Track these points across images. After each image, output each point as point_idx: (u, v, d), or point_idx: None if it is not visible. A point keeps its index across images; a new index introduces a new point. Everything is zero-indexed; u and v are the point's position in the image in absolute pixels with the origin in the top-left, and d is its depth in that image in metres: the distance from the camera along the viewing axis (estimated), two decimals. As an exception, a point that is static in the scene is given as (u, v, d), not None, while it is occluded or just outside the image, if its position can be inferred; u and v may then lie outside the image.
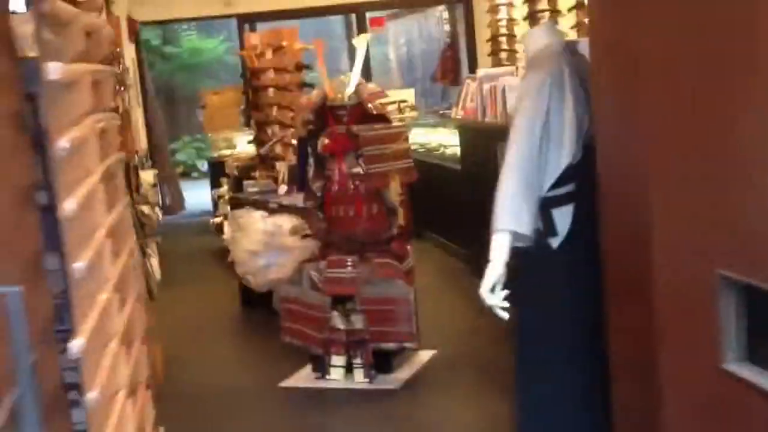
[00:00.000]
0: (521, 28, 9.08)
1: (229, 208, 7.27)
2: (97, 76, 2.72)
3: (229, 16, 11.77)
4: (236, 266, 6.66)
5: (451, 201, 7.75)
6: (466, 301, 6.23)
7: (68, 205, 2.01)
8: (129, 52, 10.17)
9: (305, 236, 5.87)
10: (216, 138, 11.58)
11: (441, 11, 13.45)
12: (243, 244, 6.53)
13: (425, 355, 5.53)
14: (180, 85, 17.36)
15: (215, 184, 10.38)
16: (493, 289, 3.16)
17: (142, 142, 10.03)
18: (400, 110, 10.90)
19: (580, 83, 3.23)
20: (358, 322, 5.18)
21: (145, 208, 7.86)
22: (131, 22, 10.07)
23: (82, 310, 2.09)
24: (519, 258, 3.35)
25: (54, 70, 1.98)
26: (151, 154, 12.23)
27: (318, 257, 5.37)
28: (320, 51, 5.38)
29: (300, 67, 7.22)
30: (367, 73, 12.35)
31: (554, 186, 3.25)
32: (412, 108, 10.79)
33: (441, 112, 9.60)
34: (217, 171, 10.28)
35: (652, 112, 2.52)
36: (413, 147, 9.25)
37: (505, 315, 3.18)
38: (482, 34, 10.58)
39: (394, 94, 12.02)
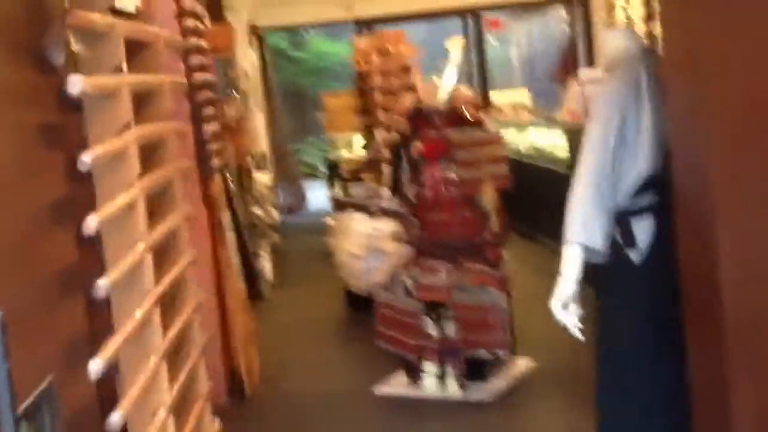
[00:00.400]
0: (639, 29, 8.66)
1: (334, 210, 7.16)
2: (149, 87, 2.63)
3: (349, 21, 11.71)
4: (339, 269, 6.56)
5: (560, 205, 7.42)
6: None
7: (91, 221, 1.89)
8: (250, 57, 10.24)
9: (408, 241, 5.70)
10: (335, 139, 11.57)
11: (561, 11, 13.05)
12: (345, 246, 6.42)
13: (522, 365, 5.28)
14: (307, 88, 17.48)
15: (332, 185, 10.34)
16: (566, 306, 2.93)
17: (261, 145, 10.07)
18: (515, 111, 10.61)
19: (661, 90, 2.95)
20: (450, 329, 4.99)
21: (258, 210, 7.87)
22: (253, 28, 10.12)
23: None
24: (597, 272, 3.11)
25: (75, 83, 1.87)
26: (275, 155, 12.35)
27: (412, 263, 5.20)
28: (403, 59, 5.20)
29: (406, 71, 7.06)
30: (483, 74, 12.14)
31: (633, 196, 2.99)
32: (527, 109, 10.47)
33: (547, 115, 9.24)
34: (333, 172, 10.25)
35: (723, 119, 2.24)
36: (525, 149, 9.01)
37: (580, 334, 2.94)
38: (601, 34, 10.18)
39: (511, 95, 11.75)
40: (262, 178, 8.98)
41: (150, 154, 2.71)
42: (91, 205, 2.13)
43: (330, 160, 11.32)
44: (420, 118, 5.10)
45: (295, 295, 7.76)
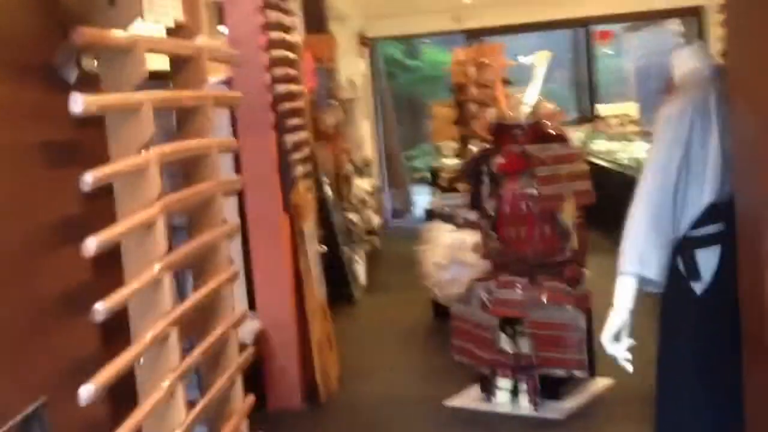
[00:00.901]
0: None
1: (426, 218, 6.99)
2: (189, 103, 2.53)
3: (458, 32, 11.51)
4: (425, 278, 6.39)
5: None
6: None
7: (90, 243, 1.79)
8: (359, 66, 10.18)
9: (485, 254, 5.49)
10: (440, 148, 11.39)
11: (676, 24, 12.50)
12: (431, 256, 6.25)
13: (600, 384, 5.00)
14: (421, 96, 17.34)
15: (433, 193, 10.18)
16: (617, 337, 2.69)
17: (365, 152, 9.99)
18: (622, 124, 10.21)
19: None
20: (525, 345, 4.76)
21: (353, 216, 7.78)
22: (362, 39, 10.06)
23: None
24: (659, 303, 2.86)
25: (75, 102, 1.78)
26: (385, 161, 12.29)
27: (489, 277, 4.99)
28: (497, 71, 4.99)
29: (504, 83, 6.83)
30: (591, 87, 11.74)
31: (697, 225, 2.72)
32: (633, 122, 10.05)
33: (645, 129, 8.83)
34: (434, 180, 10.08)
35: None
36: (628, 162, 8.61)
37: (630, 367, 2.70)
38: (716, 47, 9.66)
39: (618, 108, 11.30)
40: (363, 184, 8.89)
41: (193, 169, 2.62)
42: (111, 224, 2.04)
43: (433, 168, 11.16)
44: (502, 132, 4.89)
45: (386, 300, 7.63)
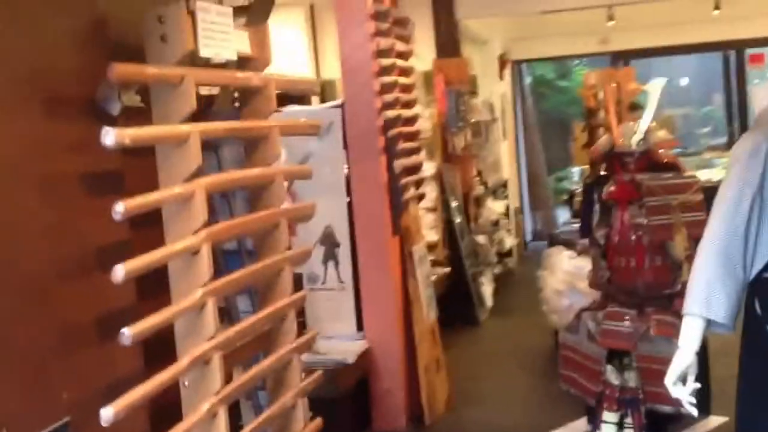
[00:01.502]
0: None
1: (549, 243, 6.81)
2: (254, 133, 2.57)
3: (604, 54, 11.20)
4: (544, 304, 6.22)
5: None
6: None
7: (118, 270, 1.85)
8: (499, 87, 10.08)
9: (598, 283, 5.28)
10: (584, 171, 11.10)
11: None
12: (550, 282, 6.08)
13: (714, 422, 4.71)
14: (572, 117, 16.97)
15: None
16: (683, 379, 2.53)
17: (502, 173, 9.86)
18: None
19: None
20: (632, 379, 4.53)
21: (481, 238, 7.68)
22: (502, 61, 9.96)
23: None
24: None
25: (107, 135, 1.83)
26: (528, 182, 12.10)
27: (597, 306, 4.79)
28: (609, 96, 4.80)
29: (633, 108, 6.56)
30: (743, 112, 11.11)
31: (775, 266, 2.51)
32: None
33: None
34: (572, 201, 9.82)
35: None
36: None
37: (694, 411, 2.52)
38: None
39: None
40: (496, 206, 8.77)
41: (258, 196, 2.66)
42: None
43: (571, 191, 10.89)
44: (613, 159, 4.69)
45: (511, 324, 7.48)
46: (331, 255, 4.99)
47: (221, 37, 2.35)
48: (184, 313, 2.13)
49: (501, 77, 10.04)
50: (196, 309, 2.17)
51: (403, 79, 4.98)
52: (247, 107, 2.62)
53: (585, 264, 5.66)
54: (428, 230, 6.96)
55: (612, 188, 4.65)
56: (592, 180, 4.84)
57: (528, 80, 13.46)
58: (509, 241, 9.25)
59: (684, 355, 2.53)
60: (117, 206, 1.88)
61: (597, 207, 4.76)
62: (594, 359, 4.66)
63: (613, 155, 4.71)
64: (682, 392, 2.54)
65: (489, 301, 7.76)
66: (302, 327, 5.00)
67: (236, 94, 2.66)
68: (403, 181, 4.93)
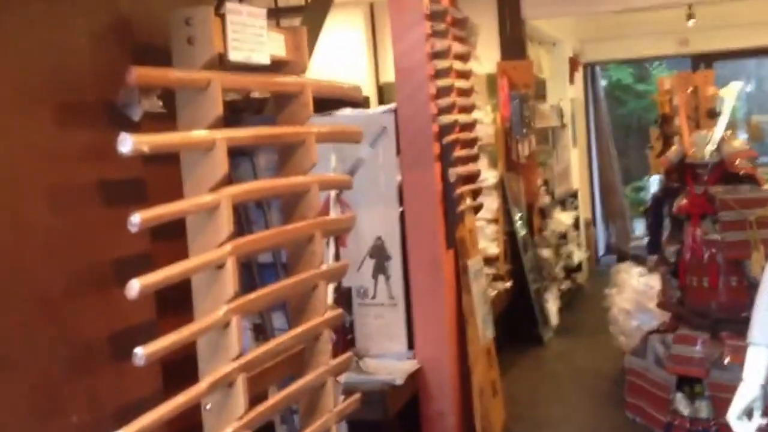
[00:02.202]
0: None
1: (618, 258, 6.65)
2: (288, 139, 2.54)
3: (684, 56, 10.97)
4: (610, 324, 6.09)
5: None
6: None
7: (133, 286, 1.84)
8: (570, 92, 9.92)
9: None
10: (662, 180, 10.85)
11: None
12: (618, 301, 5.94)
13: (795, 460, 4.51)
14: (650, 123, 16.64)
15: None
16: (747, 413, 2.42)
17: (572, 182, 9.70)
18: None
19: None
20: (703, 409, 4.40)
21: (546, 252, 7.56)
22: (573, 63, 9.81)
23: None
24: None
25: (124, 141, 1.82)
26: (600, 193, 11.88)
27: (667, 329, 4.67)
28: (682, 100, 4.67)
29: (712, 115, 6.40)
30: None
31: None
32: None
33: None
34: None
35: None
36: None
37: (761, 450, 2.41)
38: None
39: None
40: (564, 217, 8.63)
41: (292, 206, 2.63)
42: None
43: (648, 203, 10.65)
44: (685, 171, 4.57)
45: (577, 344, 7.33)
46: (381, 268, 4.94)
47: (253, 40, 2.33)
48: (206, 331, 2.11)
49: (571, 81, 9.88)
50: (220, 327, 2.15)
51: (461, 83, 4.91)
52: (282, 113, 2.60)
53: (656, 282, 5.53)
54: (488, 242, 6.87)
55: (683, 201, 4.55)
56: (662, 192, 4.72)
57: (603, 84, 13.25)
58: (578, 255, 9.09)
59: (749, 388, 2.43)
60: (133, 217, 1.87)
61: (667, 221, 4.65)
62: (662, 386, 4.55)
63: (685, 166, 4.59)
64: (748, 428, 2.43)
65: (554, 319, 7.63)
66: (351, 344, 4.99)
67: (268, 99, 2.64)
68: (459, 190, 4.87)
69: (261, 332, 2.98)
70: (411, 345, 4.90)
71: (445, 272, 4.85)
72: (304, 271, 2.59)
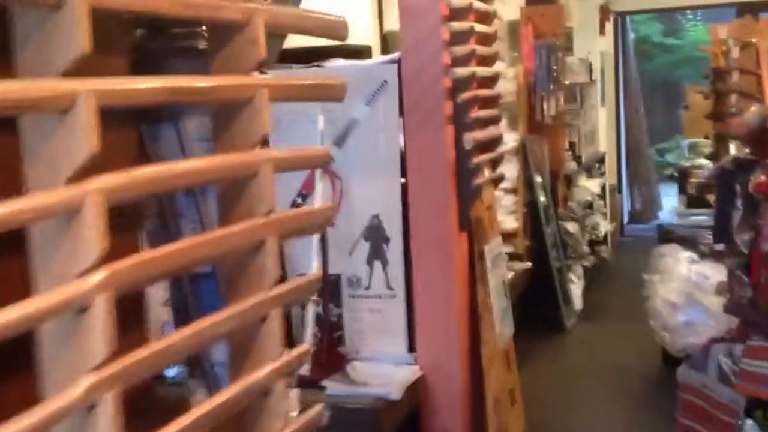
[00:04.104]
0: None
1: (659, 238, 5.75)
2: (224, 97, 1.66)
3: (728, 5, 9.97)
4: (650, 317, 5.22)
5: None
6: None
7: None
8: (599, 44, 8.98)
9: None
10: (698, 144, 9.90)
11: None
12: (662, 291, 5.07)
13: None
14: (680, 80, 15.68)
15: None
16: None
17: (599, 145, 8.79)
18: None
19: None
20: (779, 440, 3.55)
21: (571, 226, 6.69)
22: (604, 12, 8.85)
23: None
24: None
25: None
26: (629, 155, 11.00)
27: (734, 338, 3.80)
28: (764, 49, 3.75)
29: (776, 70, 5.48)
30: None
31: None
32: None
33: None
34: (684, 181, 8.63)
35: None
36: None
37: None
38: None
39: None
40: (591, 185, 7.75)
41: (230, 199, 1.75)
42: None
43: (682, 168, 9.72)
44: (765, 139, 3.66)
45: (605, 331, 6.47)
46: (378, 253, 4.08)
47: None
48: (56, 419, 1.25)
49: (602, 32, 8.94)
50: (81, 410, 1.29)
51: (481, 27, 4.00)
52: (217, 56, 1.71)
53: (711, 272, 4.67)
54: (506, 216, 6.02)
55: (762, 178, 3.63)
56: (733, 165, 3.81)
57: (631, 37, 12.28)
58: (604, 227, 8.20)
59: None
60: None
61: (739, 202, 3.75)
62: (728, 409, 3.70)
63: (765, 133, 3.68)
64: None
65: (578, 302, 6.78)
66: (339, 343, 4.17)
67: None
68: (476, 159, 3.97)
69: (196, 367, 2.12)
70: (412, 346, 4.06)
71: (455, 259, 3.99)
72: (247, 294, 1.72)
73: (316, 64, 4.27)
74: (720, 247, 4.71)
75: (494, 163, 4.30)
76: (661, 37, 15.44)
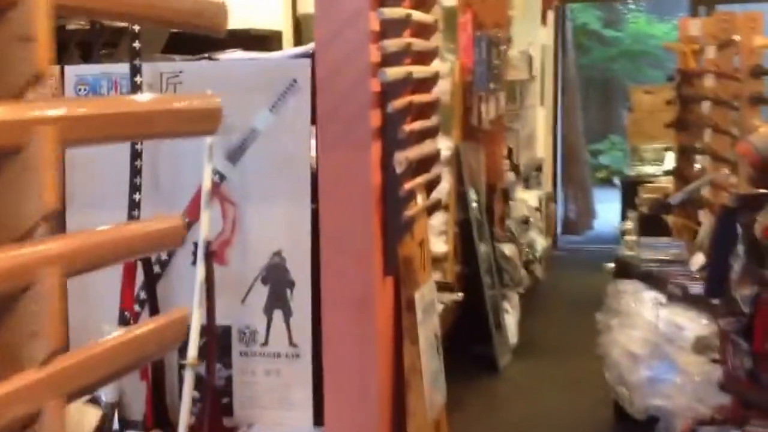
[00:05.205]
0: None
1: (615, 271, 5.10)
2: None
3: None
4: (606, 366, 4.58)
5: None
6: None
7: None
8: (541, 37, 8.34)
9: (715, 361, 3.65)
10: (640, 149, 9.38)
11: None
12: (620, 337, 4.44)
13: None
14: (617, 76, 15.27)
15: (624, 212, 8.21)
16: None
17: (536, 151, 8.16)
18: None
19: None
20: None
21: (507, 248, 6.04)
22: (546, 1, 8.22)
23: None
24: None
25: None
26: (564, 159, 10.44)
27: (729, 419, 3.16)
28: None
29: (758, 74, 4.88)
30: None
31: None
32: None
33: None
34: (629, 192, 8.04)
35: None
36: None
37: None
38: None
39: None
40: (528, 197, 7.13)
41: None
42: None
43: (626, 177, 9.18)
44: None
45: (544, 371, 5.83)
46: (279, 300, 3.34)
47: None
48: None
49: (544, 21, 8.31)
50: None
51: (419, 15, 3.27)
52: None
53: (686, 321, 4.05)
54: (434, 237, 5.32)
55: (771, 224, 2.99)
56: (738, 203, 3.16)
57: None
58: (540, 244, 7.59)
59: None
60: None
61: (741, 249, 3.11)
62: None
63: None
64: None
65: (513, 335, 6.14)
66: (226, 412, 3.42)
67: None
68: (409, 185, 3.25)
69: None
70: (319, 419, 3.34)
71: (377, 309, 3.26)
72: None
73: (207, 55, 3.51)
74: (698, 288, 4.09)
75: (429, 186, 3.58)
76: (600, 27, 14.97)
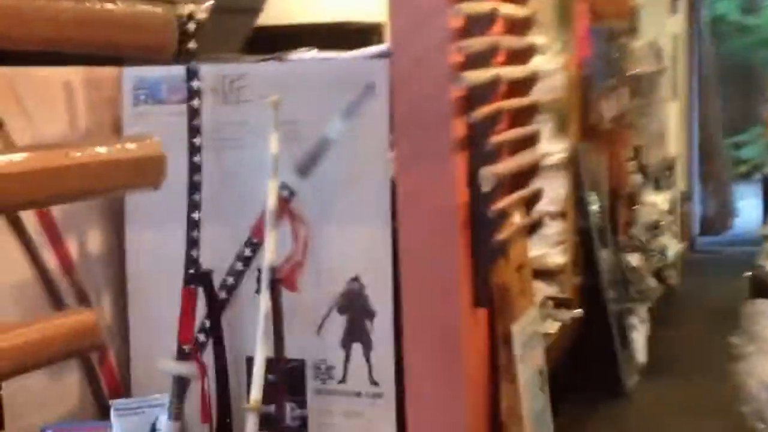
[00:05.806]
0: None
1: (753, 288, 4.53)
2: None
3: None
4: (743, 400, 4.04)
5: None
6: None
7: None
8: (670, 25, 7.75)
9: None
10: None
11: None
12: (757, 365, 3.89)
13: None
14: (759, 65, 14.35)
15: (766, 211, 7.53)
16: None
17: (667, 149, 7.56)
18: None
19: None
20: None
21: (633, 258, 5.51)
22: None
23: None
24: None
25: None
26: (701, 152, 9.75)
27: None
28: None
29: None
30: None
31: None
32: None
33: None
34: (770, 197, 7.38)
35: None
36: None
37: None
38: None
39: None
40: (658, 200, 6.55)
41: None
42: None
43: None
44: None
45: (673, 395, 5.23)
46: (358, 332, 2.98)
47: None
48: None
49: (674, 9, 7.73)
50: None
51: (509, 8, 2.85)
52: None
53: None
54: (549, 248, 4.87)
55: None
56: None
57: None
58: (673, 248, 6.99)
59: None
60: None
61: None
62: None
63: None
64: None
65: (641, 354, 5.59)
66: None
67: None
68: (502, 203, 2.82)
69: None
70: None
71: (465, 345, 2.86)
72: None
73: (275, 55, 3.18)
74: None
75: (529, 203, 3.14)
76: (739, 15, 14.10)
